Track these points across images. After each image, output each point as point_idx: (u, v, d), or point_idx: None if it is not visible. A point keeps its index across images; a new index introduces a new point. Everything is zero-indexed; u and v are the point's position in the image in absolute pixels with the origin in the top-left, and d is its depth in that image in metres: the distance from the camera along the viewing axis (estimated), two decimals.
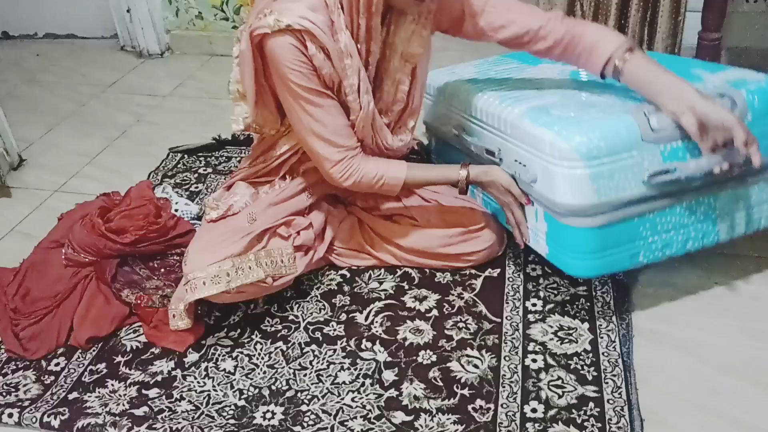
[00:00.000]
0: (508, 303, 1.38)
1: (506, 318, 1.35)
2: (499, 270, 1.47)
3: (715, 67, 1.36)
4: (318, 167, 1.34)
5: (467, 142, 1.50)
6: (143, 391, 1.25)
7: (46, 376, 1.30)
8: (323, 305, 1.41)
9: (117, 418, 1.19)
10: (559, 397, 1.18)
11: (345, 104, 1.29)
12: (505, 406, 1.17)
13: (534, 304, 1.37)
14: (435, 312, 1.37)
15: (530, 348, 1.28)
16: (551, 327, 1.32)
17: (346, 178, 1.31)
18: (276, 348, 1.32)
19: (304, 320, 1.38)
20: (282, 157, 1.41)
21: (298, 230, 1.40)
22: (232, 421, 1.18)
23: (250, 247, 1.30)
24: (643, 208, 1.22)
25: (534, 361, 1.25)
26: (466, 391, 1.20)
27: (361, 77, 1.27)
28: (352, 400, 1.20)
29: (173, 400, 1.23)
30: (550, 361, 1.25)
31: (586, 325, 1.32)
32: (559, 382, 1.21)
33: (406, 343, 1.31)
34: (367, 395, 1.21)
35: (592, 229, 1.21)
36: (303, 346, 1.32)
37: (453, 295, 1.41)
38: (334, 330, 1.35)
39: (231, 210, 1.38)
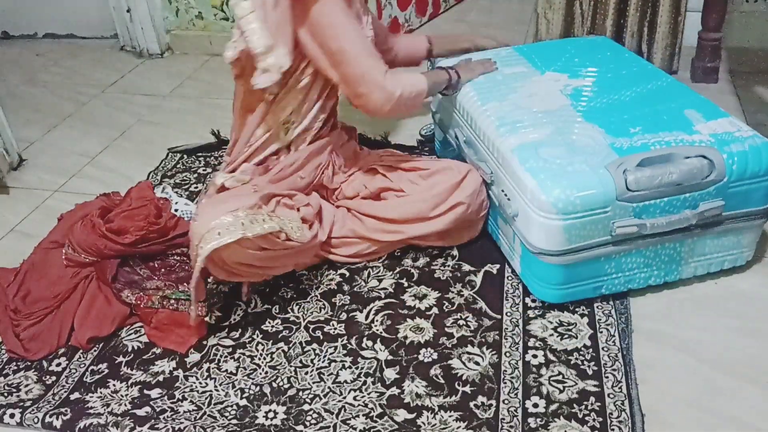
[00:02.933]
0: (507, 299, 1.39)
1: (506, 314, 1.35)
2: (498, 266, 1.47)
3: (710, 112, 1.39)
4: (364, 94, 1.38)
5: (465, 152, 1.53)
6: (145, 392, 1.25)
7: (48, 377, 1.30)
8: (323, 305, 1.42)
9: (119, 418, 1.19)
10: (560, 392, 1.18)
11: None
12: (506, 402, 1.18)
13: (534, 300, 1.38)
14: (435, 310, 1.38)
15: (530, 344, 1.28)
16: (551, 323, 1.32)
17: (394, 89, 1.37)
18: (278, 348, 1.32)
19: (304, 320, 1.38)
20: (288, 120, 1.44)
21: (299, 206, 1.41)
22: (234, 421, 1.18)
23: (261, 204, 1.31)
24: (610, 251, 1.30)
25: (534, 356, 1.26)
26: (467, 388, 1.21)
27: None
28: (354, 398, 1.21)
29: (175, 400, 1.23)
30: (551, 356, 1.25)
31: (586, 320, 1.32)
32: (559, 378, 1.21)
33: (407, 341, 1.31)
34: (368, 394, 1.21)
35: (560, 266, 1.29)
36: (304, 345, 1.33)
37: (453, 292, 1.41)
38: (335, 329, 1.36)
39: (235, 179, 1.40)
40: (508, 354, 1.27)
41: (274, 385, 1.25)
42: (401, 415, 1.17)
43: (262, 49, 1.30)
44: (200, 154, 1.98)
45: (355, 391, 1.22)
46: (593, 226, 1.25)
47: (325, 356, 1.30)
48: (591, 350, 1.26)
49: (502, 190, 1.39)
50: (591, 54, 1.67)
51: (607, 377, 1.20)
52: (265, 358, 1.30)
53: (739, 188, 1.29)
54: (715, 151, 1.27)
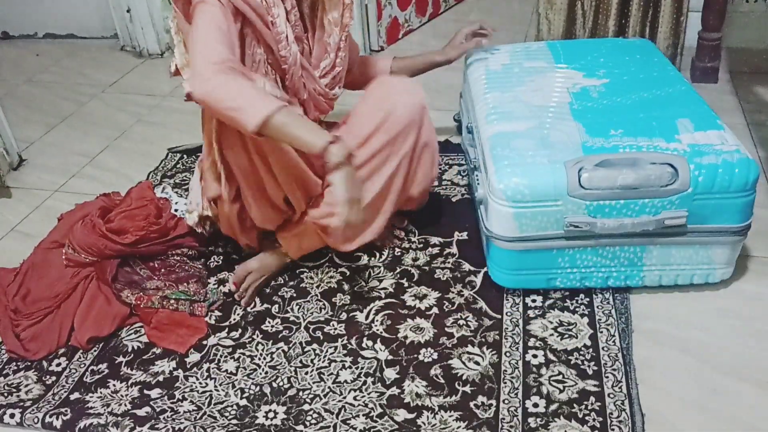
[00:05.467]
0: (507, 299, 1.39)
1: (506, 314, 1.35)
2: None
3: (704, 123, 1.36)
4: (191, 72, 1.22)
5: (466, 137, 1.55)
6: (145, 392, 1.25)
7: (48, 377, 1.30)
8: (323, 304, 1.42)
9: (119, 418, 1.19)
10: (560, 391, 1.18)
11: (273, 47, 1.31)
12: (506, 401, 1.18)
13: (534, 300, 1.38)
14: (435, 310, 1.38)
15: (531, 344, 1.28)
16: (551, 322, 1.32)
17: (206, 79, 1.15)
18: (278, 348, 1.32)
19: (304, 320, 1.38)
20: None
21: None
22: (234, 421, 1.18)
23: None
24: (563, 245, 1.31)
25: (534, 356, 1.26)
26: (467, 388, 1.21)
27: (289, 26, 1.32)
28: (354, 398, 1.21)
29: (175, 400, 1.23)
30: (551, 356, 1.25)
31: (586, 320, 1.32)
32: (559, 377, 1.21)
33: (407, 341, 1.31)
34: (369, 393, 1.21)
35: (512, 252, 1.33)
36: (304, 345, 1.33)
37: (453, 292, 1.41)
38: (335, 329, 1.36)
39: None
40: (508, 354, 1.27)
41: (274, 385, 1.25)
42: (401, 415, 1.17)
43: (183, 62, 1.30)
44: (200, 154, 1.98)
45: (355, 391, 1.22)
46: (545, 217, 1.27)
47: (325, 356, 1.30)
48: (591, 350, 1.26)
49: (477, 175, 1.44)
50: (620, 56, 1.65)
51: (607, 377, 1.20)
52: (265, 358, 1.30)
53: (707, 201, 1.26)
54: (683, 160, 1.25)
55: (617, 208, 1.27)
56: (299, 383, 1.25)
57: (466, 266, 1.48)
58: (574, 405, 1.16)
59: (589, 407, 1.15)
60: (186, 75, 1.30)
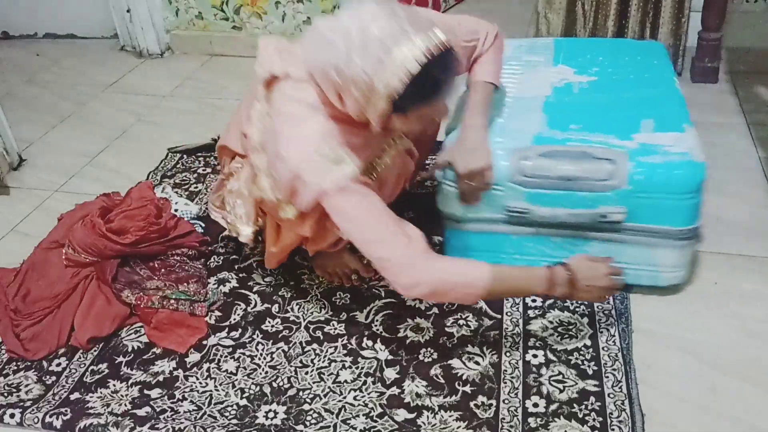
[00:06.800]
0: (507, 299, 1.39)
1: (506, 314, 1.35)
2: None
3: (669, 125, 1.34)
4: (391, 280, 1.14)
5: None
6: (145, 392, 1.25)
7: (48, 377, 1.30)
8: (323, 304, 1.42)
9: (119, 418, 1.19)
10: (560, 391, 1.18)
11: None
12: (506, 401, 1.18)
13: (534, 300, 1.38)
14: (435, 309, 1.38)
15: (531, 344, 1.28)
16: (551, 323, 1.32)
17: (416, 284, 1.10)
18: (278, 348, 1.32)
19: (304, 320, 1.38)
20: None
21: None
22: (234, 421, 1.18)
23: None
24: (506, 230, 1.38)
25: (534, 356, 1.26)
26: (467, 388, 1.21)
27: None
28: (354, 398, 1.21)
29: (175, 400, 1.23)
30: (551, 356, 1.25)
31: (586, 320, 1.32)
32: (559, 377, 1.21)
33: (407, 341, 1.31)
34: (369, 393, 1.21)
35: (459, 232, 1.41)
36: (304, 345, 1.33)
37: None
38: (335, 329, 1.36)
39: None
40: (508, 354, 1.27)
41: (274, 384, 1.25)
42: (401, 414, 1.17)
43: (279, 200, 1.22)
44: (200, 154, 1.98)
45: (355, 390, 1.22)
46: (487, 200, 1.33)
47: (325, 356, 1.30)
48: (591, 350, 1.26)
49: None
50: (620, 56, 1.64)
51: (607, 377, 1.20)
52: (265, 358, 1.30)
53: (646, 200, 1.26)
54: (624, 157, 1.25)
55: (555, 197, 1.29)
56: (299, 383, 1.25)
57: None
58: (574, 405, 1.16)
59: (589, 407, 1.15)
60: (286, 211, 1.23)
